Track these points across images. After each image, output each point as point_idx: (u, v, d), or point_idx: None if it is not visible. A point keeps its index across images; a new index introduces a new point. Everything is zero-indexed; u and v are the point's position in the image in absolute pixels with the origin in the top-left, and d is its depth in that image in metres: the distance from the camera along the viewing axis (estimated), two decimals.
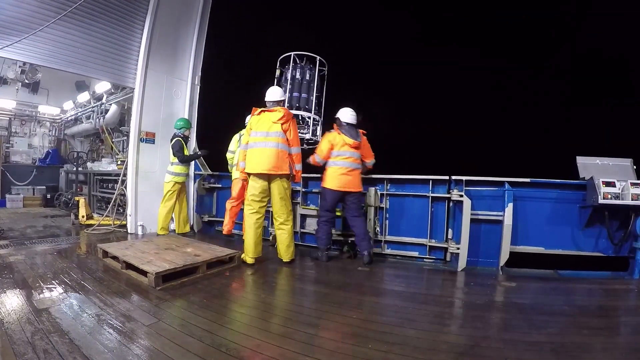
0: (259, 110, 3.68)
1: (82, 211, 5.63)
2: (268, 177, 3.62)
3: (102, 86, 7.51)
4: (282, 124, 3.56)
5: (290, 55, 4.74)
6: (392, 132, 7.18)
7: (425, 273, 3.65)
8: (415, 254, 4.14)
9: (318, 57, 4.76)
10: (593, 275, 3.45)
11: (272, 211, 3.82)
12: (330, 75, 4.86)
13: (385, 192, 4.29)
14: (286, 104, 4.41)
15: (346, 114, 3.99)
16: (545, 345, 1.92)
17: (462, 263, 3.63)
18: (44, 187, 8.72)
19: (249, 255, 3.63)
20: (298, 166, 3.72)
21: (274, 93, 3.77)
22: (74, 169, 8.07)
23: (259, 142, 3.58)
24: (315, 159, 4.00)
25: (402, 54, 7.23)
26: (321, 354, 1.82)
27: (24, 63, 7.86)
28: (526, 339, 2.00)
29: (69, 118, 9.48)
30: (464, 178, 3.90)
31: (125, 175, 5.31)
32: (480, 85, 6.41)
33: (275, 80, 4.86)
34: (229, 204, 4.77)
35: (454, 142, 6.70)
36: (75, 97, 9.07)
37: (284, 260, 3.71)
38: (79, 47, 4.59)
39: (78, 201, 5.82)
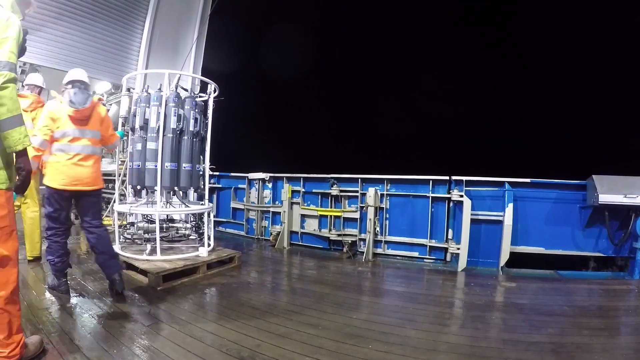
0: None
1: None
2: None
3: (102, 86, 7.50)
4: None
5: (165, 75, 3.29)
6: (392, 132, 7.19)
7: (425, 273, 3.64)
8: (416, 254, 4.14)
9: (214, 85, 3.57)
10: (593, 276, 3.45)
11: None
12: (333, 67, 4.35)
13: (385, 192, 4.29)
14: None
15: (75, 72, 2.59)
16: (546, 345, 1.92)
17: (462, 263, 3.64)
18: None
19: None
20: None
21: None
22: None
23: None
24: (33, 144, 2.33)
25: (401, 53, 7.24)
26: (321, 354, 1.82)
27: (24, 63, 7.84)
28: (526, 339, 2.00)
29: None
30: (464, 178, 3.91)
31: (125, 175, 5.30)
32: (480, 85, 6.41)
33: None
34: None
35: (454, 142, 6.71)
36: None
37: None
38: (79, 47, 4.60)
39: None
